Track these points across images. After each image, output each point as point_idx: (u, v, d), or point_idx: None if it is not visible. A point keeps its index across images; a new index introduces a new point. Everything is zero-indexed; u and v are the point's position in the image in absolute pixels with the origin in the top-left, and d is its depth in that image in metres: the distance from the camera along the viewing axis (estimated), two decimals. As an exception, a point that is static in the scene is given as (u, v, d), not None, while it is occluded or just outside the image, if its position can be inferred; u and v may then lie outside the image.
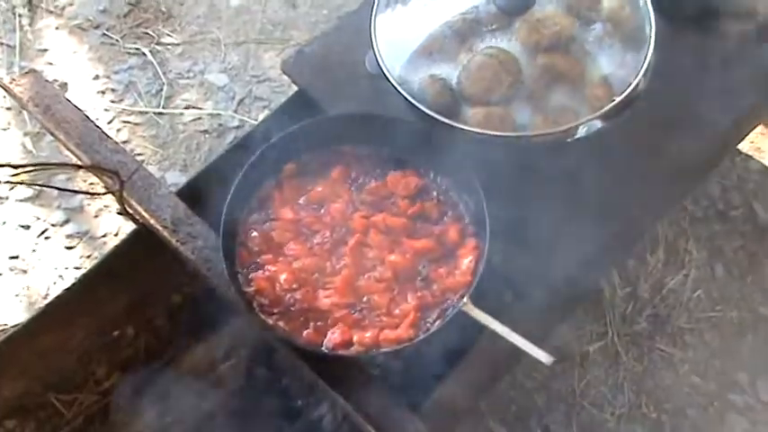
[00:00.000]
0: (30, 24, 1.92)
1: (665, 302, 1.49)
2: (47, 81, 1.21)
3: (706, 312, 1.50)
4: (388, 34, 1.12)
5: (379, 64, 1.08)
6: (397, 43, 1.12)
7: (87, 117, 1.15)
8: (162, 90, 1.80)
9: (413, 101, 1.04)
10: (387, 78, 1.07)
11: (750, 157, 1.65)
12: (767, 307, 1.50)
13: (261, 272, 1.02)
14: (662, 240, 1.54)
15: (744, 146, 1.65)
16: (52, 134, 1.15)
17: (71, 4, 1.94)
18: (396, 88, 1.06)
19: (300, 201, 1.08)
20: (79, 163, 1.06)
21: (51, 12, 1.94)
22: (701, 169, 1.26)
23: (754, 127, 1.58)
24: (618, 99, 1.03)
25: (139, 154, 1.71)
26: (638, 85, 1.04)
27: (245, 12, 1.93)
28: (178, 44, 1.88)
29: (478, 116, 1.04)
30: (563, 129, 1.03)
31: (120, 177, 1.04)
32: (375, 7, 1.14)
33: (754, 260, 1.55)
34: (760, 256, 1.55)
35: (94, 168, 1.02)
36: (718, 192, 1.61)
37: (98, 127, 1.13)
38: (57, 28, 1.92)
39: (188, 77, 1.82)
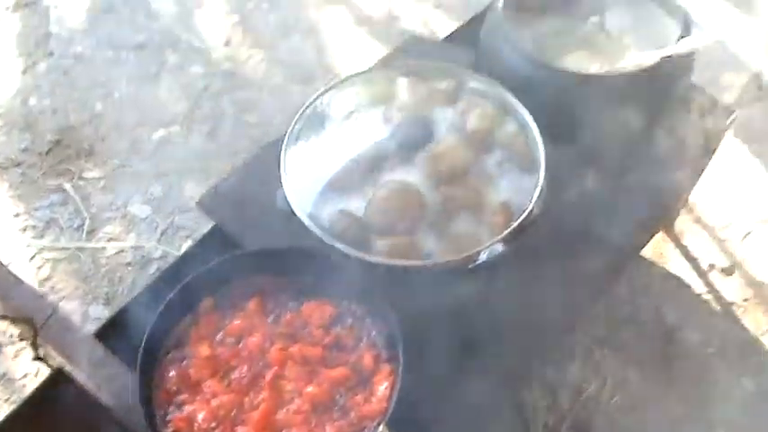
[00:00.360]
0: (-51, 164, 1.93)
1: (585, 410, 1.53)
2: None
3: (625, 416, 1.53)
4: (297, 170, 1.18)
5: (288, 201, 1.13)
6: (307, 179, 1.18)
7: (1, 263, 1.16)
8: (84, 224, 1.82)
9: (322, 235, 1.09)
10: (296, 215, 1.12)
11: (654, 263, 1.75)
12: (681, 407, 1.55)
13: (178, 412, 1.02)
14: (578, 349, 1.59)
15: (648, 253, 1.75)
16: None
17: (-8, 144, 1.97)
18: (305, 224, 1.11)
19: (217, 336, 1.09)
20: (-9, 312, 1.07)
21: (-29, 153, 1.96)
22: (602, 282, 1.32)
23: (653, 236, 1.68)
24: (514, 224, 1.09)
25: (61, 290, 1.71)
26: (533, 209, 1.12)
27: (166, 144, 1.98)
28: (100, 178, 1.91)
29: (385, 247, 1.10)
30: (465, 255, 1.08)
31: (33, 324, 1.05)
32: (284, 145, 1.20)
33: (666, 362, 1.61)
34: (672, 358, 1.61)
35: (5, 318, 1.02)
36: (627, 298, 1.69)
37: (11, 272, 1.15)
38: (-23, 169, 1.93)
39: (110, 210, 1.84)
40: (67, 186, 1.89)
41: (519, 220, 1.10)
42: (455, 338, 1.14)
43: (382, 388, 1.04)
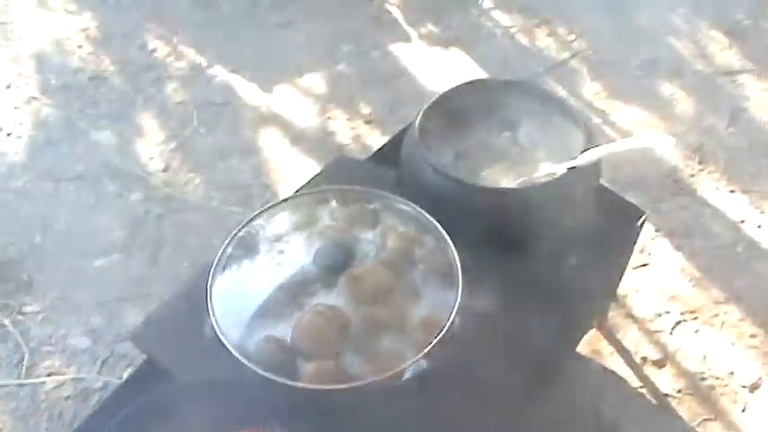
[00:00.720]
0: None
1: None
2: None
3: None
4: (225, 298, 1.21)
5: (215, 331, 1.15)
6: (235, 306, 1.20)
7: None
8: (23, 360, 1.80)
9: (249, 364, 1.11)
10: (224, 345, 1.14)
11: (591, 359, 1.79)
12: (627, 506, 1.57)
13: None
14: (521, 452, 1.61)
15: (583, 349, 1.79)
16: None
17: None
18: (233, 353, 1.13)
19: (149, 475, 1.10)
20: None
21: None
22: (529, 389, 1.35)
23: (582, 335, 1.73)
24: (434, 340, 1.13)
25: (0, 430, 1.68)
26: (452, 324, 1.16)
27: (107, 272, 1.99)
28: (39, 311, 1.90)
29: (310, 372, 1.12)
30: (388, 374, 1.11)
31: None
32: (211, 274, 1.23)
33: (609, 459, 1.63)
34: (614, 454, 1.64)
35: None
36: (566, 398, 1.69)
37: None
38: None
39: (50, 344, 1.83)
40: (6, 322, 1.88)
41: (439, 336, 1.14)
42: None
43: None
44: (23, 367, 1.79)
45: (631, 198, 1.61)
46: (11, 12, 2.90)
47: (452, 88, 1.53)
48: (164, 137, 2.39)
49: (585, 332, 1.75)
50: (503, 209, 1.38)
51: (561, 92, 2.49)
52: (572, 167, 1.37)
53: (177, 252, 2.05)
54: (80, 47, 2.73)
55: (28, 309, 1.91)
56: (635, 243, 1.63)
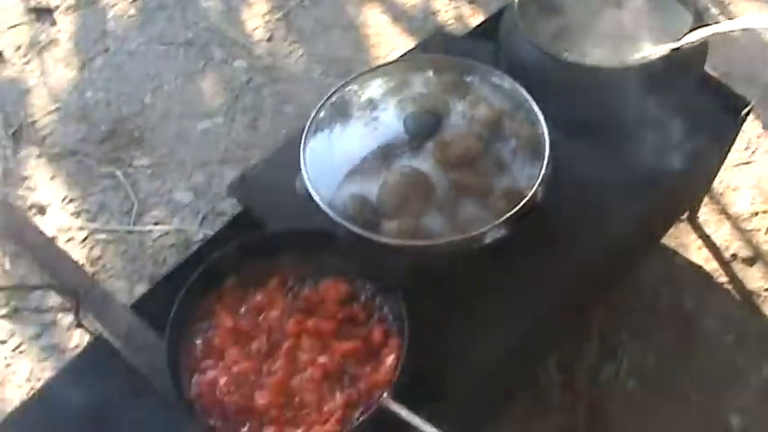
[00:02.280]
0: (13, 154, 2.08)
1: (600, 391, 1.58)
2: (17, 208, 1.35)
3: (640, 400, 1.58)
4: (317, 157, 1.27)
5: (306, 186, 1.22)
6: (326, 165, 1.26)
7: (51, 240, 1.28)
8: (132, 209, 1.95)
9: (336, 217, 1.18)
10: (313, 199, 1.20)
11: (676, 252, 1.78)
12: (697, 394, 1.59)
13: (202, 377, 1.13)
14: (596, 332, 1.64)
15: (670, 241, 1.78)
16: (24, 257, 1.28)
17: (51, 134, 2.12)
18: (321, 207, 1.19)
19: (240, 310, 1.19)
20: (39, 284, 1.19)
21: (33, 142, 2.11)
22: (607, 267, 1.37)
23: (670, 225, 1.72)
24: (515, 209, 1.16)
25: (110, 269, 1.84)
26: (534, 195, 1.18)
27: (210, 134, 2.10)
28: (148, 166, 2.03)
29: (393, 228, 1.17)
30: (468, 236, 1.15)
31: (76, 294, 1.16)
32: (305, 135, 1.29)
33: (683, 349, 1.64)
34: (688, 345, 1.65)
35: (51, 287, 1.14)
36: (648, 285, 1.72)
37: (60, 249, 1.27)
38: (38, 156, 2.08)
39: (157, 197, 1.97)
40: (119, 174, 2.02)
41: (520, 205, 1.16)
42: (462, 314, 1.22)
43: (390, 360, 1.12)
44: (132, 216, 1.94)
45: (743, 93, 1.54)
46: None
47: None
48: (269, 7, 2.42)
49: (673, 222, 1.73)
50: (599, 88, 1.36)
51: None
52: (676, 48, 1.33)
53: (276, 119, 2.12)
54: None
55: (137, 163, 2.05)
56: (736, 135, 1.58)
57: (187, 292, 1.17)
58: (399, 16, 2.37)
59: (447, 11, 2.38)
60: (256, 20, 2.39)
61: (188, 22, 2.38)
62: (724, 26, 1.32)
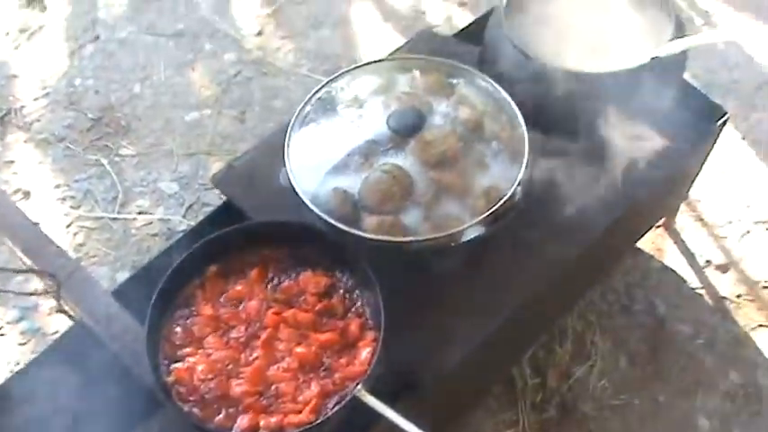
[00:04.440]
0: (0, 138, 2.09)
1: (572, 391, 1.61)
2: (1, 192, 1.36)
3: (610, 400, 1.61)
4: (301, 151, 1.29)
5: (289, 179, 1.24)
6: (310, 159, 1.29)
7: (34, 224, 1.29)
8: (117, 197, 1.96)
9: (317, 211, 1.20)
10: (295, 192, 1.23)
11: (651, 256, 1.81)
12: (667, 396, 1.63)
13: (181, 363, 1.14)
14: (570, 333, 1.67)
15: (646, 246, 1.82)
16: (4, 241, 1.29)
17: (38, 120, 2.12)
18: (303, 200, 1.21)
19: (221, 299, 1.21)
20: (21, 267, 1.20)
21: (20, 127, 2.12)
22: (581, 268, 1.40)
23: (647, 230, 1.75)
24: (493, 208, 1.19)
25: (93, 256, 1.85)
26: (512, 196, 1.21)
27: (197, 125, 2.11)
28: (134, 155, 2.05)
29: (373, 224, 1.20)
30: (446, 234, 1.18)
31: (56, 279, 1.18)
32: (290, 129, 1.31)
33: (654, 352, 1.68)
34: (660, 348, 1.68)
35: (32, 271, 1.15)
36: (622, 288, 1.76)
37: (43, 233, 1.28)
38: (24, 141, 2.09)
39: (142, 186, 1.98)
40: (105, 162, 2.04)
41: (498, 204, 1.19)
42: (439, 310, 1.25)
43: (365, 353, 1.14)
44: (117, 204, 1.95)
45: (722, 102, 1.58)
46: None
47: (546, -30, 1.51)
48: (261, 2, 2.44)
49: (649, 227, 1.77)
50: (580, 92, 1.38)
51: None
52: (655, 57, 1.36)
53: (264, 113, 2.14)
54: None
55: (124, 151, 2.06)
56: (713, 144, 1.61)
57: (168, 279, 1.19)
58: (389, 15, 2.40)
59: (437, 11, 2.40)
60: (247, 14, 2.40)
61: (179, 14, 2.40)
62: (703, 37, 1.36)
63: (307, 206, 1.22)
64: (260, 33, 2.34)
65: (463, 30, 1.68)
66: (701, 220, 1.89)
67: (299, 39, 2.33)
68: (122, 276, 1.81)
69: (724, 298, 1.76)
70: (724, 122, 1.53)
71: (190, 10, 2.41)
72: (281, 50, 2.30)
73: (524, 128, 1.28)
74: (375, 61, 1.44)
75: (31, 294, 1.36)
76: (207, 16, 2.39)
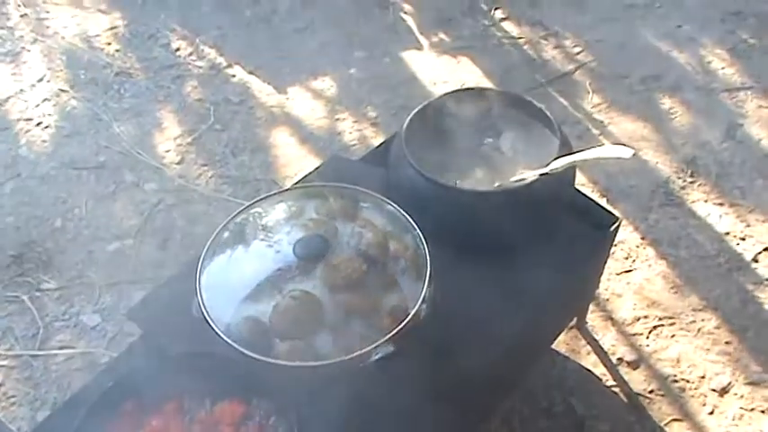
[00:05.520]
0: None
1: (500, 499, 1.64)
2: None
3: (535, 505, 1.64)
4: (213, 282, 1.33)
5: (201, 310, 1.27)
6: (222, 289, 1.32)
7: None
8: (38, 333, 1.94)
9: (228, 340, 1.23)
10: (207, 322, 1.26)
11: (567, 357, 1.88)
12: (589, 493, 1.66)
13: None
14: (494, 438, 1.71)
15: (561, 348, 1.88)
16: None
17: (-45, 265, 2.12)
18: (214, 330, 1.25)
19: (138, 435, 1.22)
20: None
21: (-60, 263, 2.11)
22: (494, 376, 1.45)
23: (559, 333, 1.82)
24: (399, 327, 1.24)
25: (12, 396, 1.82)
26: (417, 312, 1.26)
27: (119, 255, 2.13)
28: (56, 289, 2.05)
29: (285, 350, 1.23)
30: (355, 355, 1.22)
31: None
32: (201, 260, 1.36)
33: (576, 453, 1.72)
34: (581, 447, 1.73)
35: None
36: (541, 390, 1.81)
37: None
38: (-58, 280, 2.08)
39: (63, 320, 1.98)
40: (25, 297, 2.03)
41: (404, 323, 1.24)
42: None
43: (284, 480, 1.16)
44: (38, 340, 1.94)
45: (622, 207, 1.69)
46: (48, 8, 3.06)
47: (440, 97, 1.63)
48: (181, 131, 2.53)
49: (562, 330, 1.84)
50: (477, 210, 1.47)
51: (563, 103, 2.58)
52: (544, 173, 1.47)
53: (186, 240, 2.18)
54: (108, 44, 2.89)
55: (45, 286, 2.06)
56: (609, 248, 1.71)
57: (86, 416, 1.19)
58: (306, 137, 2.50)
59: (351, 132, 2.52)
60: (168, 143, 2.48)
61: (100, 147, 2.45)
62: (583, 155, 1.47)
63: (217, 336, 1.26)
64: (181, 162, 2.41)
65: (369, 153, 1.78)
66: (611, 318, 1.97)
67: (220, 165, 2.41)
68: (43, 415, 1.77)
69: (638, 394, 1.82)
70: (616, 228, 1.64)
71: (111, 143, 2.47)
72: (202, 177, 2.37)
73: (425, 247, 1.35)
74: (286, 189, 1.51)
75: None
76: (128, 147, 2.45)
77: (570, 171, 1.56)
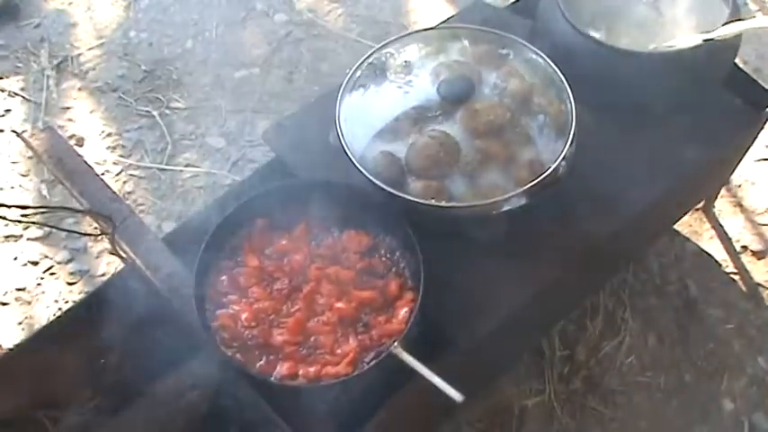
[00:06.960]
0: (56, 85, 2.15)
1: (599, 365, 1.64)
2: (61, 136, 1.41)
3: (636, 377, 1.64)
4: (351, 114, 1.32)
5: (339, 140, 1.27)
6: (359, 122, 1.32)
7: (92, 169, 1.34)
8: (166, 149, 2.01)
9: (365, 172, 1.23)
10: (345, 153, 1.26)
11: (687, 238, 1.82)
12: (692, 375, 1.65)
13: (225, 310, 1.20)
14: (601, 309, 1.70)
15: (683, 228, 1.83)
16: (61, 182, 1.35)
17: (93, 69, 2.18)
18: (352, 161, 1.25)
19: (266, 251, 1.26)
20: (79, 208, 1.25)
21: (76, 74, 2.17)
22: (617, 245, 1.42)
23: (685, 212, 1.76)
24: (536, 180, 1.21)
25: (141, 204, 1.91)
26: (556, 169, 1.23)
27: (246, 83, 2.15)
28: (184, 109, 2.10)
29: (419, 188, 1.23)
30: (489, 202, 1.21)
31: (113, 222, 1.23)
32: (341, 90, 1.34)
33: (683, 332, 1.70)
34: (689, 329, 1.70)
35: (91, 213, 1.20)
36: (656, 268, 1.77)
37: (100, 178, 1.33)
38: (79, 89, 2.15)
39: (190, 139, 2.03)
40: (155, 113, 2.09)
41: (542, 176, 1.21)
42: (476, 275, 1.28)
43: (403, 312, 1.19)
44: (166, 155, 2.01)
45: (771, 90, 1.57)
46: None
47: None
48: (314, -36, 2.47)
49: (688, 210, 1.78)
50: (631, 71, 1.39)
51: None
52: (708, 39, 1.36)
53: (311, 75, 2.17)
54: None
55: (174, 105, 2.11)
56: (760, 130, 1.61)
57: (218, 229, 1.24)
58: (441, -17, 2.41)
59: (490, -18, 2.40)
60: (300, -25, 2.43)
61: (233, -30, 2.43)
62: (759, 22, 1.35)
63: (354, 167, 1.26)
64: (312, -5, 2.37)
65: (516, 2, 1.69)
66: (740, 205, 1.89)
67: (351, 3, 2.35)
68: (167, 226, 1.86)
69: (758, 284, 1.77)
70: (772, 109, 1.53)
71: (244, -33, 2.44)
72: (331, 14, 2.33)
73: (572, 104, 1.29)
74: (427, 29, 1.46)
75: (86, 235, 1.41)
76: (260, -26, 2.42)
77: (735, 42, 1.45)
